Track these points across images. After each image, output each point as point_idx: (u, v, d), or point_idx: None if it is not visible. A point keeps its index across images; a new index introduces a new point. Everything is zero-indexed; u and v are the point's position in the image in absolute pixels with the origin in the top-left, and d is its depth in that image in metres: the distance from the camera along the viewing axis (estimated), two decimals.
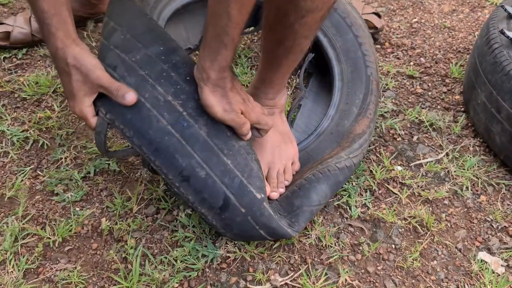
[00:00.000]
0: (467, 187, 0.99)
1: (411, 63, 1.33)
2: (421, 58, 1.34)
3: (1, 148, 1.03)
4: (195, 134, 0.76)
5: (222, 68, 0.74)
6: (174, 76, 0.77)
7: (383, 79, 1.26)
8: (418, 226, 0.92)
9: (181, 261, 0.84)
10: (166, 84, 0.76)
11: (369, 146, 1.07)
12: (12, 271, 0.82)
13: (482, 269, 0.85)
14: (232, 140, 0.79)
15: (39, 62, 1.27)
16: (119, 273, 0.83)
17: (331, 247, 0.88)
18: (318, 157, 0.96)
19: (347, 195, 0.96)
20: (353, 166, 0.92)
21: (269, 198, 0.89)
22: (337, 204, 0.95)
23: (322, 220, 0.92)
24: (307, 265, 0.85)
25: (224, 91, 0.76)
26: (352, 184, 0.98)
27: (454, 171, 1.02)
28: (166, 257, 0.85)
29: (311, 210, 0.86)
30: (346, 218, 0.93)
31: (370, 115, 1.00)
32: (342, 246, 0.89)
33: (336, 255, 0.87)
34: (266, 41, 0.87)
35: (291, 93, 1.18)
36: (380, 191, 0.98)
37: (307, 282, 0.82)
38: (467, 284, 0.83)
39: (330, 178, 0.89)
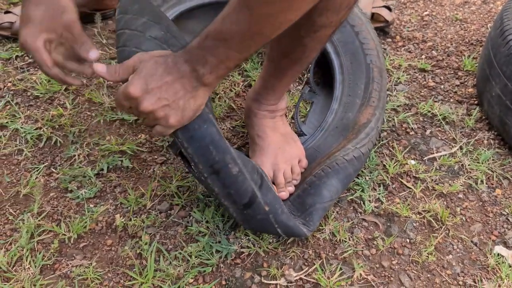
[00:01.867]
0: (482, 181, 0.98)
1: (423, 56, 1.31)
2: (433, 51, 1.33)
3: (16, 146, 1.04)
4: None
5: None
6: None
7: (394, 73, 1.25)
8: (432, 220, 0.91)
9: (195, 257, 0.84)
10: None
11: (382, 140, 1.06)
12: (29, 267, 0.83)
13: (498, 263, 0.85)
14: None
15: None
16: (134, 269, 0.83)
17: (345, 242, 0.88)
18: (325, 153, 0.95)
19: (361, 189, 0.96)
20: (362, 157, 0.91)
21: None
22: (351, 199, 0.95)
23: (335, 215, 0.92)
24: (321, 260, 0.85)
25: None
26: (365, 178, 0.98)
27: (469, 165, 1.01)
28: (180, 253, 0.85)
29: (324, 207, 0.86)
30: (360, 212, 0.93)
31: (374, 102, 0.99)
32: (356, 241, 0.88)
33: (350, 249, 0.87)
34: (272, 50, 0.87)
35: (302, 88, 1.18)
36: (393, 186, 0.98)
37: (322, 277, 0.82)
38: (484, 278, 0.83)
39: (339, 172, 0.88)
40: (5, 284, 0.80)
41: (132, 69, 0.66)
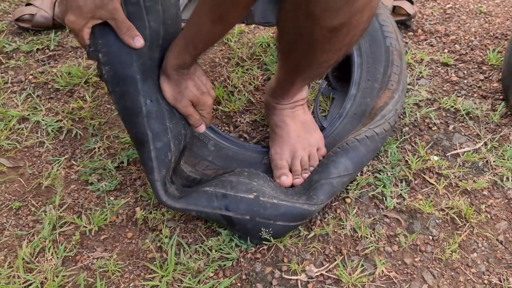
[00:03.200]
0: (507, 178, 0.96)
1: (446, 50, 1.29)
2: (456, 45, 1.30)
3: (37, 138, 1.05)
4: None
5: (177, 66, 0.79)
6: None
7: (416, 67, 1.22)
8: (456, 217, 0.89)
9: (215, 251, 0.84)
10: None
11: (404, 136, 1.04)
12: (51, 259, 0.83)
13: None
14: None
15: (70, 53, 1.28)
16: (155, 262, 0.83)
17: (366, 238, 0.87)
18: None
19: (382, 185, 0.94)
20: (375, 136, 0.89)
21: (293, 185, 0.90)
22: (372, 195, 0.94)
23: (356, 211, 0.91)
24: (342, 256, 0.84)
25: (178, 81, 0.81)
26: (387, 174, 0.96)
27: (493, 161, 0.99)
28: (201, 247, 0.85)
29: (330, 183, 0.84)
30: (382, 208, 0.92)
31: (392, 86, 0.97)
32: (378, 237, 0.87)
33: (372, 246, 0.85)
34: (284, 62, 0.86)
35: (322, 83, 1.16)
36: (416, 182, 0.96)
37: (343, 273, 0.81)
38: (510, 277, 0.81)
39: (349, 151, 0.86)
40: (28, 275, 0.81)
41: None
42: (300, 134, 0.94)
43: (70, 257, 0.85)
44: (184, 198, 0.82)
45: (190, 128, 0.87)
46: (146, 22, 0.78)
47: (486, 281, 0.81)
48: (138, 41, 0.77)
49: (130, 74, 0.77)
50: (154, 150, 0.78)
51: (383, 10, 1.05)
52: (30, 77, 1.19)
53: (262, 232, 0.81)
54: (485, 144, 1.03)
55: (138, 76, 0.77)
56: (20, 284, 0.80)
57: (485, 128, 1.06)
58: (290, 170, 0.91)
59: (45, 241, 0.86)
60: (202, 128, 0.87)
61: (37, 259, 0.84)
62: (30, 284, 0.80)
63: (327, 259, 0.84)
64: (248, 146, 0.97)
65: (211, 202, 0.81)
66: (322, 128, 1.01)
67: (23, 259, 0.83)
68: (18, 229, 0.89)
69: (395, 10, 1.34)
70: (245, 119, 1.09)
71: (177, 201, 0.81)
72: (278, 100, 0.94)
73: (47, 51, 1.28)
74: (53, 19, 1.31)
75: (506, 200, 0.93)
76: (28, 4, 1.33)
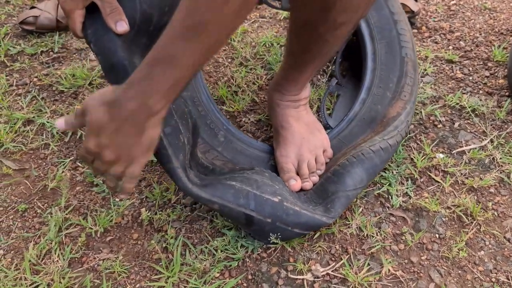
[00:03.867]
0: None
1: (450, 47, 1.28)
2: (461, 42, 1.29)
3: (42, 140, 1.05)
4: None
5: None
6: None
7: (421, 64, 1.22)
8: (462, 215, 0.89)
9: (221, 251, 0.84)
10: None
11: (409, 134, 1.04)
12: (57, 260, 0.84)
13: None
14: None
15: (74, 55, 1.28)
16: (161, 263, 0.83)
17: (372, 237, 0.86)
18: (350, 144, 0.94)
19: (388, 183, 0.94)
20: (389, 148, 0.89)
21: (302, 189, 0.89)
22: (378, 193, 0.93)
23: (362, 210, 0.90)
24: (348, 255, 0.84)
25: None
26: (392, 172, 0.96)
27: (500, 158, 0.98)
28: (206, 247, 0.85)
29: (347, 195, 0.84)
30: (387, 207, 0.91)
31: (405, 97, 0.96)
32: (384, 236, 0.87)
33: (378, 245, 0.85)
34: (291, 45, 0.86)
35: (326, 81, 1.16)
36: (421, 180, 0.95)
37: (350, 272, 0.81)
38: None
39: (364, 162, 0.86)
40: (34, 277, 0.81)
41: (82, 115, 0.65)
42: (305, 136, 0.93)
43: (76, 259, 0.85)
44: (209, 187, 0.77)
45: (193, 103, 0.84)
46: (138, 5, 0.72)
47: (493, 279, 0.80)
48: (121, 26, 0.69)
49: (118, 62, 0.69)
50: (165, 137, 0.72)
51: (403, 16, 1.03)
52: (35, 79, 1.20)
53: (272, 237, 0.81)
54: (491, 141, 1.02)
55: (126, 63, 0.69)
56: (27, 286, 0.80)
57: (491, 125, 1.06)
58: (297, 173, 0.91)
59: (51, 243, 0.86)
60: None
61: (43, 261, 0.84)
62: (37, 286, 0.80)
63: (333, 259, 0.84)
64: (256, 144, 0.96)
65: (237, 199, 0.78)
66: (327, 127, 1.01)
67: (29, 261, 0.83)
68: (25, 231, 0.89)
69: None
70: (249, 118, 1.09)
71: (203, 190, 0.76)
72: (283, 94, 0.93)
73: (51, 53, 1.28)
74: (56, 21, 1.31)
75: None
76: (32, 7, 1.33)
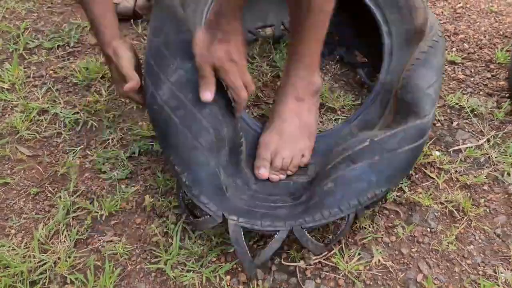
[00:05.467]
0: (508, 173, 0.97)
1: (453, 49, 1.30)
2: (464, 44, 1.31)
3: (55, 129, 1.11)
4: None
5: (217, 13, 0.77)
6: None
7: None
8: (454, 211, 0.91)
9: (218, 237, 0.88)
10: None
11: None
12: (64, 241, 0.89)
13: None
14: None
15: (89, 50, 1.34)
16: (161, 246, 0.88)
17: (365, 228, 0.89)
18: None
19: None
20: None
21: (269, 180, 0.92)
22: None
23: None
24: (340, 245, 0.87)
25: (212, 38, 0.78)
26: None
27: (495, 157, 1.00)
28: (204, 233, 0.89)
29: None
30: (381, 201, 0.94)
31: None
32: (377, 228, 0.89)
33: (370, 236, 0.88)
34: (289, 3, 0.90)
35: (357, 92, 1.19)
36: (417, 176, 0.98)
37: (340, 261, 0.84)
38: (505, 269, 0.82)
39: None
40: (42, 255, 0.86)
41: (209, 67, 0.81)
42: (294, 135, 0.95)
43: (82, 240, 0.90)
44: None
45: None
46: None
47: (481, 272, 0.82)
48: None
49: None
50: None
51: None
52: (51, 72, 1.26)
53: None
54: (488, 140, 1.04)
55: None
56: (35, 263, 0.85)
57: (489, 125, 1.07)
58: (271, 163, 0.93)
59: (59, 225, 0.91)
60: (205, 96, 0.82)
61: (51, 240, 0.89)
62: (44, 263, 0.85)
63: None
64: (247, 119, 1.00)
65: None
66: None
67: (38, 240, 0.89)
68: (35, 212, 0.94)
69: None
70: (252, 113, 1.13)
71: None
72: (291, 73, 0.95)
73: (67, 47, 1.34)
74: (134, 10, 1.38)
75: (506, 195, 0.94)
76: None
